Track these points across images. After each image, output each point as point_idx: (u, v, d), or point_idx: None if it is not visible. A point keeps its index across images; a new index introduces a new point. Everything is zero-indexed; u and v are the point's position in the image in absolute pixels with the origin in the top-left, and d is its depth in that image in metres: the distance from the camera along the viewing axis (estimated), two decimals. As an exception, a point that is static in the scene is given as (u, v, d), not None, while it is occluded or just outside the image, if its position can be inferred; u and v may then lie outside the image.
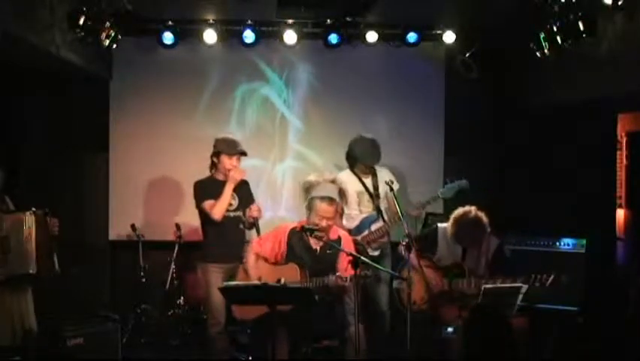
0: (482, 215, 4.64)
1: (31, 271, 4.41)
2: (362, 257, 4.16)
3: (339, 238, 4.58)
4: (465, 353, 3.29)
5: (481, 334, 3.25)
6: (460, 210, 4.69)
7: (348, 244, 4.58)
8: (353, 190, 5.40)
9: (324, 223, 4.43)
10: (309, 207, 4.49)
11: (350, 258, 4.07)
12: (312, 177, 4.63)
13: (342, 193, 4.59)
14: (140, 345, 5.86)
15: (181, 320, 6.01)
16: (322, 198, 4.43)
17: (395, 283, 4.79)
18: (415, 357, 4.56)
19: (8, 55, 5.18)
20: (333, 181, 4.55)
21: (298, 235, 4.53)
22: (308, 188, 4.54)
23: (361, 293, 4.54)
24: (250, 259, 4.58)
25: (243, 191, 5.05)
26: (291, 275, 4.38)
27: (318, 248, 4.53)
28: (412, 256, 4.76)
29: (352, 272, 4.11)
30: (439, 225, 4.90)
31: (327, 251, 4.50)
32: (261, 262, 4.57)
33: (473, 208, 4.66)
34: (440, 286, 4.72)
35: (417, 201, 5.40)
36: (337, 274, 4.34)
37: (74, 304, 5.62)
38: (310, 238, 4.48)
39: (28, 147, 6.34)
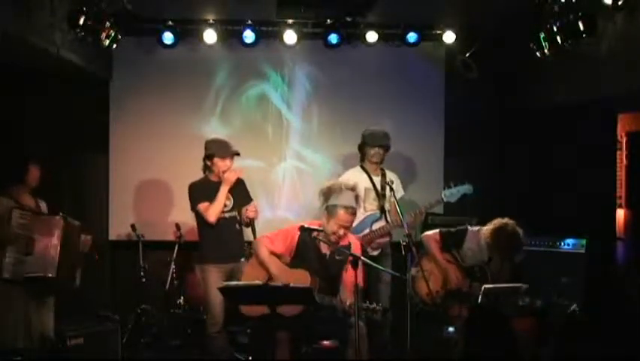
0: (520, 231, 4.65)
1: (50, 275, 4.40)
2: (362, 257, 4.16)
3: (349, 244, 4.56)
4: (465, 353, 3.29)
5: (481, 334, 3.26)
6: (499, 222, 4.70)
7: (357, 251, 4.56)
8: (361, 186, 5.39)
9: (341, 231, 4.41)
10: (330, 214, 4.41)
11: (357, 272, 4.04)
12: (331, 183, 4.58)
13: (358, 200, 4.56)
14: (140, 345, 5.85)
15: (181, 320, 6.00)
16: (346, 208, 4.37)
17: (413, 272, 4.77)
18: (416, 357, 4.57)
19: (8, 55, 5.18)
20: (352, 189, 4.51)
21: (308, 238, 4.49)
22: (327, 193, 4.47)
23: (362, 294, 4.55)
24: (263, 253, 4.51)
25: (238, 190, 5.03)
26: (300, 281, 4.34)
27: (328, 253, 4.52)
28: (436, 248, 4.79)
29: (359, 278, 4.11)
30: (469, 228, 4.88)
31: (336, 257, 4.49)
32: (274, 258, 4.54)
33: (512, 222, 4.67)
34: (459, 283, 4.74)
35: (422, 206, 5.38)
36: (347, 303, 4.30)
37: (74, 304, 5.61)
38: (321, 242, 4.47)
39: (28, 147, 6.33)
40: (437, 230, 5.01)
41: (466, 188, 5.20)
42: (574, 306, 4.63)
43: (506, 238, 4.63)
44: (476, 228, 4.84)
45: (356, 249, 4.57)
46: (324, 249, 4.51)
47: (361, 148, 5.57)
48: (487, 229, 4.73)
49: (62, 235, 4.45)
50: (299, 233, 4.49)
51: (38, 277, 4.40)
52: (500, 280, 4.73)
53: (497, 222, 4.71)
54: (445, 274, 4.80)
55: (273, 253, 4.54)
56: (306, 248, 4.49)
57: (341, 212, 4.38)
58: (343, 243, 4.51)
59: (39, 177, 4.64)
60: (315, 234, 4.39)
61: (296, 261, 4.50)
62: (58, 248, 4.42)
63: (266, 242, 4.55)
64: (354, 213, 4.45)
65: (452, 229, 4.97)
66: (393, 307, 5.37)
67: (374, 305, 4.18)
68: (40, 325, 4.52)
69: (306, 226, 4.41)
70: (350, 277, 4.24)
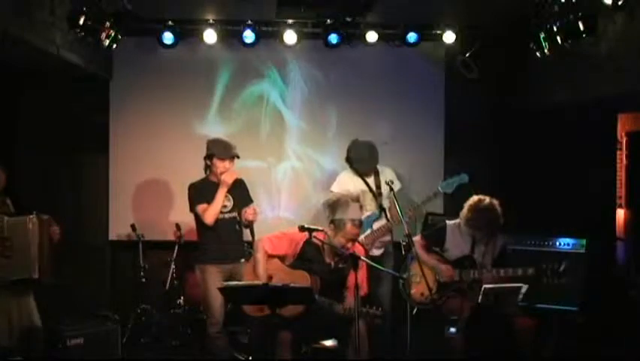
0: (497, 203, 4.73)
1: (34, 276, 4.41)
2: (362, 257, 4.16)
3: (354, 253, 4.56)
4: (465, 353, 3.29)
5: (482, 334, 3.26)
6: (475, 198, 4.79)
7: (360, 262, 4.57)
8: (357, 189, 5.43)
9: (349, 244, 4.43)
10: (338, 228, 4.44)
11: (359, 277, 4.06)
12: (337, 196, 4.64)
13: (362, 209, 4.61)
14: (140, 345, 5.86)
15: (181, 320, 6.01)
16: (353, 221, 4.42)
17: (405, 275, 4.81)
18: (417, 357, 4.58)
19: (8, 55, 5.18)
20: (357, 200, 4.57)
21: (314, 246, 4.51)
22: (333, 207, 4.50)
23: (364, 298, 4.55)
24: (261, 257, 4.54)
25: (238, 191, 5.03)
26: (300, 281, 4.35)
27: (332, 263, 4.52)
28: (422, 250, 4.82)
29: (364, 290, 4.14)
30: (448, 221, 4.97)
31: (340, 266, 4.50)
32: (273, 261, 4.56)
33: (488, 197, 4.76)
34: (450, 276, 4.76)
35: (420, 200, 5.45)
36: (346, 306, 4.33)
37: (74, 304, 5.62)
38: (325, 253, 4.49)
39: (27, 147, 6.34)
40: (419, 234, 5.12)
41: (460, 178, 5.28)
42: (563, 265, 4.64)
43: (483, 209, 4.70)
44: (453, 221, 4.94)
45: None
46: (329, 259, 4.52)
47: (347, 159, 5.59)
48: (464, 208, 4.81)
49: (39, 234, 4.44)
50: (305, 240, 4.50)
51: (21, 279, 4.40)
52: (485, 263, 4.80)
53: (474, 197, 4.80)
54: (435, 269, 4.86)
55: (273, 256, 4.55)
56: (311, 256, 4.51)
57: (349, 226, 4.41)
58: (347, 254, 4.51)
59: (5, 180, 4.60)
60: (315, 234, 4.40)
61: (298, 263, 4.51)
62: (37, 247, 4.41)
63: (266, 244, 4.57)
64: (360, 225, 4.50)
65: (433, 228, 5.05)
66: (394, 307, 5.40)
67: (374, 310, 4.19)
68: (20, 322, 4.51)
69: (305, 226, 4.41)
70: (353, 280, 4.26)
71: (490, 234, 4.82)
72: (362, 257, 4.16)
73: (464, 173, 5.29)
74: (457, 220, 4.90)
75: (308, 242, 4.50)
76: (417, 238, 5.02)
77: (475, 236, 4.83)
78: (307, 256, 4.51)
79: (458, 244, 4.89)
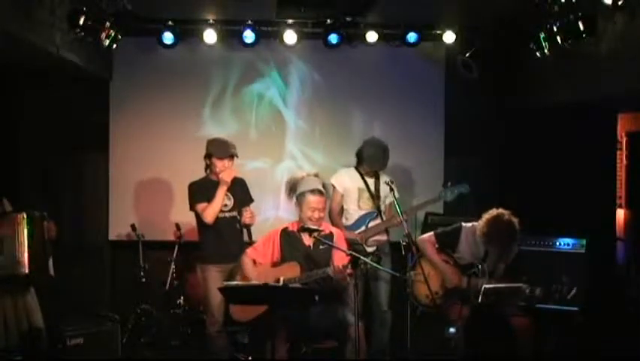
0: (515, 221, 4.60)
1: (22, 272, 4.40)
2: (362, 257, 4.17)
3: (331, 234, 4.62)
4: (465, 353, 3.29)
5: (481, 334, 3.26)
6: (493, 212, 4.66)
7: (340, 240, 4.63)
8: (354, 186, 5.45)
9: (316, 215, 4.48)
10: (299, 202, 4.56)
11: (343, 254, 4.15)
12: (295, 174, 4.75)
13: (325, 187, 4.67)
14: (140, 345, 5.87)
15: (181, 320, 6.01)
16: (312, 191, 4.52)
17: (411, 275, 4.80)
18: (417, 357, 4.58)
19: (8, 55, 5.18)
20: (316, 175, 4.65)
21: (290, 234, 4.58)
22: (293, 185, 4.63)
23: (362, 293, 4.57)
24: (248, 264, 4.60)
25: (239, 190, 5.05)
26: (290, 272, 4.41)
27: (311, 245, 4.56)
28: (432, 250, 4.80)
29: (348, 269, 4.19)
30: (463, 224, 4.88)
31: (320, 247, 4.53)
32: (259, 266, 4.58)
33: (507, 212, 4.63)
34: (457, 282, 4.74)
35: (418, 204, 5.46)
36: (336, 270, 4.36)
37: (74, 304, 5.62)
38: (303, 235, 4.52)
39: (28, 147, 6.35)
40: (432, 232, 5.01)
41: (462, 187, 5.31)
42: (573, 292, 4.63)
43: (502, 226, 4.59)
44: (469, 224, 4.85)
45: (339, 238, 4.64)
46: (307, 241, 4.56)
47: (359, 155, 5.57)
48: (482, 219, 4.69)
49: (28, 231, 4.44)
50: (279, 232, 4.60)
51: (11, 276, 4.39)
52: (496, 275, 4.74)
53: (493, 212, 4.67)
54: (443, 274, 4.80)
55: (259, 263, 4.61)
56: (290, 245, 4.58)
57: (309, 196, 4.51)
58: (325, 233, 4.56)
59: None
60: (290, 226, 4.49)
61: (283, 259, 4.57)
62: (26, 245, 4.41)
63: (251, 253, 4.65)
64: (321, 195, 4.55)
65: (447, 229, 4.99)
66: (394, 307, 5.41)
67: (369, 256, 4.23)
68: (18, 323, 4.50)
69: (305, 226, 4.45)
70: (340, 260, 4.34)
71: (506, 248, 4.70)
72: (361, 257, 4.16)
73: (465, 183, 5.31)
74: (474, 224, 4.79)
75: (283, 231, 4.61)
76: (427, 236, 4.96)
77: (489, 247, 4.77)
78: (287, 245, 4.56)
79: (471, 249, 4.79)
